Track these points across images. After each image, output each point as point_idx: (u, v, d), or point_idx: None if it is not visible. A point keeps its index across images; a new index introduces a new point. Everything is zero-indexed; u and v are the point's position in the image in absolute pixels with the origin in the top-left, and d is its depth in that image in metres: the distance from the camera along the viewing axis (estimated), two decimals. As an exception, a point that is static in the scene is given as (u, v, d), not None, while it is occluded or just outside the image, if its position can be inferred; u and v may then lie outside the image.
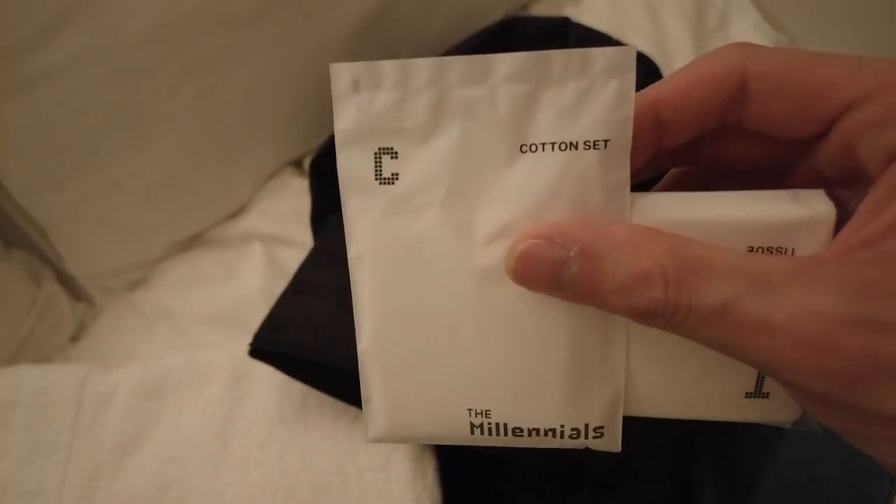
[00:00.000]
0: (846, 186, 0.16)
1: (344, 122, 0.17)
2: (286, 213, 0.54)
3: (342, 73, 0.17)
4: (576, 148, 0.16)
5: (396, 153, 0.17)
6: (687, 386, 0.17)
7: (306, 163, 0.57)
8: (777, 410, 0.17)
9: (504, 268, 0.16)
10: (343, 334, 0.38)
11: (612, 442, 0.18)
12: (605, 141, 0.15)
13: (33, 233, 0.54)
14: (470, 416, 0.18)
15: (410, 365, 0.18)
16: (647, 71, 0.45)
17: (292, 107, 0.55)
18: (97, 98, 0.46)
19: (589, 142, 0.15)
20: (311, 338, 0.37)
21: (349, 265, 0.18)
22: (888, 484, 0.43)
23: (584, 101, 0.15)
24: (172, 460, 0.41)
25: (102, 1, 0.43)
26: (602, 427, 0.18)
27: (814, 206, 0.15)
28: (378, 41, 0.55)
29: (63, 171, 0.49)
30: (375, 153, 0.17)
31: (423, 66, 0.16)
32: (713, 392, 0.17)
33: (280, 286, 0.42)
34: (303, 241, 0.51)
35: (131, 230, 0.54)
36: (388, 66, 0.17)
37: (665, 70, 0.47)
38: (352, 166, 0.17)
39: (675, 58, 0.57)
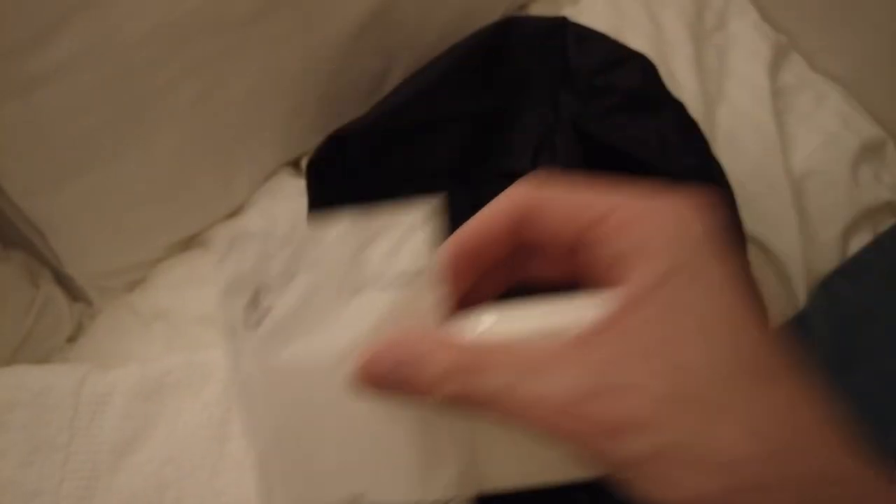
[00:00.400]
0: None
1: (225, 274, 0.21)
2: (284, 213, 0.54)
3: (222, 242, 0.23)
4: (396, 284, 0.21)
5: (265, 297, 0.21)
6: (528, 455, 0.21)
7: (304, 163, 0.57)
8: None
9: (354, 378, 0.20)
10: None
11: None
12: (418, 274, 0.20)
13: (31, 233, 0.54)
14: (352, 500, 0.21)
15: (301, 466, 0.22)
16: (645, 71, 0.45)
17: (291, 108, 0.55)
18: (96, 99, 0.46)
19: (406, 277, 0.20)
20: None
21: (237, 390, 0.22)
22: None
23: (400, 248, 0.20)
24: (171, 460, 0.41)
25: (102, 2, 0.43)
26: (453, 500, 0.21)
27: (587, 303, 0.19)
28: (377, 42, 0.55)
29: (61, 172, 0.49)
30: (251, 296, 0.21)
31: (280, 235, 0.21)
32: (552, 457, 0.20)
33: (279, 286, 0.42)
34: (301, 241, 0.51)
35: (130, 231, 0.54)
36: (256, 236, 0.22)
37: (663, 70, 0.47)
38: (232, 309, 0.21)
39: (674, 58, 0.57)
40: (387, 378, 0.19)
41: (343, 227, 0.21)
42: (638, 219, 0.18)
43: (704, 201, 0.19)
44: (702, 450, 0.16)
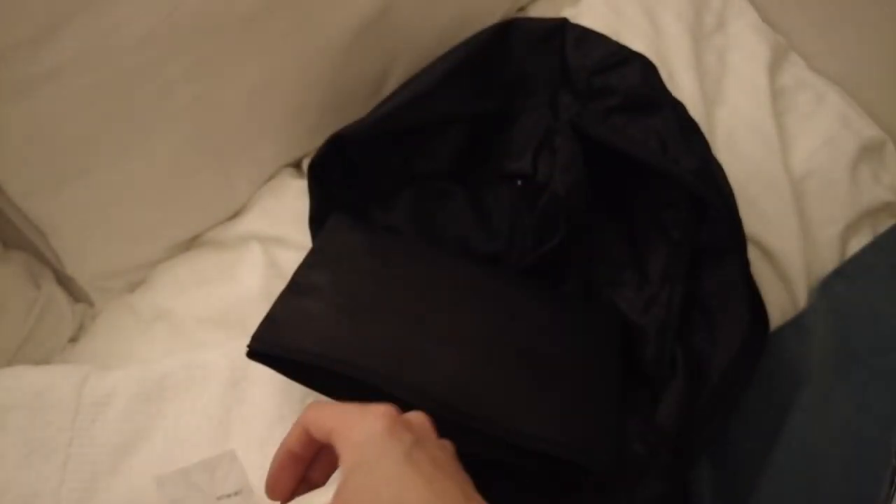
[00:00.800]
0: None
1: None
2: (285, 214, 0.54)
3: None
4: None
5: None
6: None
7: (305, 164, 0.57)
8: None
9: None
10: (341, 336, 0.38)
11: None
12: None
13: (32, 234, 0.54)
14: None
15: None
16: (644, 72, 0.45)
17: (292, 109, 0.55)
18: (96, 100, 0.46)
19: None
20: (309, 340, 0.38)
21: None
22: (888, 484, 0.43)
23: None
24: (171, 462, 0.41)
25: (101, 3, 0.43)
26: None
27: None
28: (377, 44, 0.55)
29: (62, 173, 0.49)
30: None
31: None
32: None
33: (279, 287, 0.42)
34: (302, 242, 0.51)
35: (130, 232, 0.54)
36: None
37: (662, 72, 0.47)
38: None
39: (674, 60, 0.57)
40: None
41: None
42: (341, 429, 0.29)
43: (385, 410, 0.29)
44: None
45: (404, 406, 0.31)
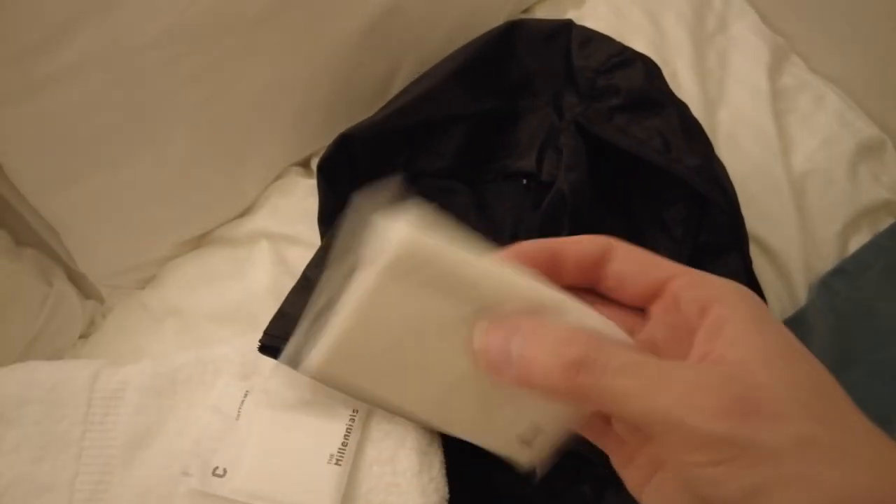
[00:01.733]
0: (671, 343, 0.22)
1: None
2: (294, 212, 0.54)
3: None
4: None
5: None
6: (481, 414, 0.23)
7: (314, 163, 0.58)
8: (527, 456, 0.23)
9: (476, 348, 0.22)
10: None
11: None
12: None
13: (44, 231, 0.55)
14: None
15: None
16: (648, 72, 0.46)
17: (301, 107, 0.55)
18: (108, 99, 0.47)
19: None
20: None
21: None
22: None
23: None
24: (183, 456, 0.42)
25: (114, 3, 0.44)
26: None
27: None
28: (385, 43, 0.56)
29: (74, 171, 0.49)
30: None
31: None
32: (497, 426, 0.23)
33: (288, 284, 0.43)
34: (310, 240, 0.52)
35: (141, 229, 0.55)
36: None
37: (664, 73, 0.48)
38: None
39: (676, 61, 0.58)
40: (507, 359, 0.20)
41: None
42: (705, 281, 0.21)
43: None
44: (843, 446, 0.17)
45: None
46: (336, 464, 0.39)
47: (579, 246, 0.23)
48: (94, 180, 0.50)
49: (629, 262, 0.23)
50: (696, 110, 0.48)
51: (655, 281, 0.22)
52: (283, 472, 0.39)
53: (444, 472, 0.41)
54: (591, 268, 0.23)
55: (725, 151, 0.55)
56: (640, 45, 0.54)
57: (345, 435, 0.39)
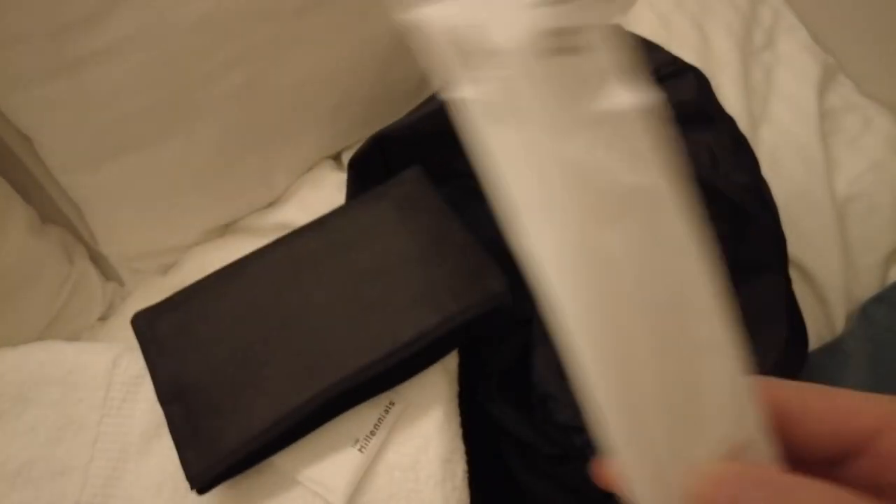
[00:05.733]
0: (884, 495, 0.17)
1: None
2: (323, 206, 0.53)
3: None
4: None
5: None
6: None
7: (345, 157, 0.57)
8: None
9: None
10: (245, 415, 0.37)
11: None
12: None
13: (69, 210, 0.54)
14: None
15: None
16: (699, 85, 0.44)
17: (336, 101, 0.55)
18: (143, 81, 0.46)
19: None
20: (232, 440, 0.36)
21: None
22: None
23: None
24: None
25: (156, -16, 0.43)
26: None
27: None
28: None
29: (103, 151, 0.49)
30: None
31: None
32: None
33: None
34: (338, 235, 0.51)
35: (166, 214, 0.54)
36: None
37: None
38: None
39: (722, 75, 0.57)
40: None
41: None
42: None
43: None
44: None
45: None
46: (360, 450, 0.38)
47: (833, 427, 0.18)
48: (123, 161, 0.49)
49: (808, 422, 0.17)
50: (739, 126, 0.47)
51: (848, 444, 0.17)
52: (308, 449, 0.38)
53: (466, 481, 0.40)
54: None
55: (767, 170, 0.53)
56: (684, 55, 0.52)
57: (375, 424, 0.39)
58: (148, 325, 0.41)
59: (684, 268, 0.16)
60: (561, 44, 0.14)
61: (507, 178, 0.15)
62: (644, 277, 0.16)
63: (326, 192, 0.55)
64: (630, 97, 0.15)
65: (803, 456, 0.17)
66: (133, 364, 0.44)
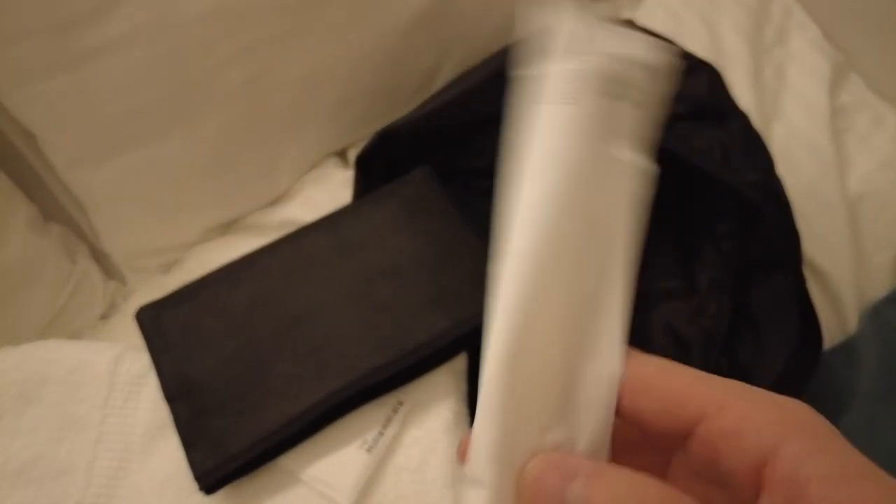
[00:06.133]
0: (718, 485, 0.18)
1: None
2: (328, 203, 0.53)
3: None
4: None
5: None
6: None
7: (350, 154, 0.56)
8: None
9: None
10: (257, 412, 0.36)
11: None
12: None
13: (72, 208, 0.54)
14: None
15: None
16: (712, 81, 0.44)
17: (342, 97, 0.54)
18: (148, 76, 0.46)
19: None
20: (242, 438, 0.36)
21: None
22: None
23: None
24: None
25: (162, -23, 0.43)
26: None
27: None
28: (431, 37, 0.54)
29: (106, 147, 0.48)
30: None
31: None
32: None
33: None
34: (343, 233, 0.51)
35: (170, 211, 0.54)
36: None
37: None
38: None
39: (732, 72, 0.56)
40: None
41: None
42: (752, 419, 0.17)
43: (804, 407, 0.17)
44: None
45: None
46: (367, 451, 0.37)
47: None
48: (126, 158, 0.49)
49: (645, 399, 0.18)
50: (753, 124, 0.47)
51: (681, 423, 0.17)
52: (315, 449, 0.38)
53: (474, 483, 0.39)
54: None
55: (778, 168, 0.53)
56: (694, 51, 0.52)
57: (383, 424, 0.38)
58: (153, 320, 0.40)
59: (609, 270, 0.19)
60: (614, 89, 0.19)
61: (534, 138, 0.19)
62: (579, 261, 0.19)
63: (331, 189, 0.54)
64: (630, 156, 0.20)
65: (654, 432, 0.18)
66: (136, 363, 0.44)
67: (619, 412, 0.18)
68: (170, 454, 0.41)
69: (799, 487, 0.15)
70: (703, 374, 0.18)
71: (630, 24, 0.47)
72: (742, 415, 0.17)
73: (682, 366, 0.18)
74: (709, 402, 0.17)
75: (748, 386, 0.17)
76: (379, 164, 0.49)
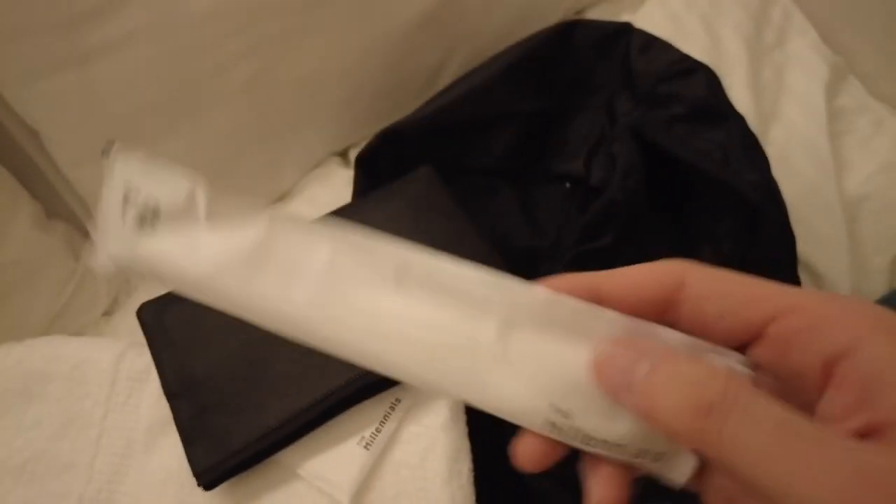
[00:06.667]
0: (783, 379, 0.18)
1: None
2: (331, 202, 0.53)
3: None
4: None
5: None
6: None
7: (352, 154, 0.57)
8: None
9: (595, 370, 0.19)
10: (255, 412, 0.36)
11: None
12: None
13: (75, 205, 0.54)
14: None
15: None
16: (710, 83, 0.44)
17: (345, 97, 0.54)
18: (152, 74, 0.46)
19: None
20: (242, 435, 0.36)
21: None
22: None
23: None
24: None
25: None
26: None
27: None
28: (435, 36, 0.55)
29: (110, 146, 0.48)
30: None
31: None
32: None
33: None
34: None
35: (172, 209, 0.54)
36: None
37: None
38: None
39: (732, 74, 0.57)
40: (627, 383, 0.17)
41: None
42: (827, 319, 0.16)
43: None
44: None
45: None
46: (365, 447, 0.38)
47: (633, 282, 0.18)
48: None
49: (712, 300, 0.18)
50: (749, 125, 0.47)
51: (747, 325, 0.17)
52: (313, 446, 0.38)
53: (472, 479, 0.40)
54: (653, 311, 0.18)
55: (777, 170, 0.53)
56: (694, 54, 0.52)
57: (380, 421, 0.38)
58: (154, 317, 0.41)
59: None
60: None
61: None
62: None
63: (334, 188, 0.55)
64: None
65: (715, 336, 0.18)
66: (138, 359, 0.44)
67: (679, 319, 0.18)
68: (171, 451, 0.41)
69: (877, 388, 0.15)
70: (769, 281, 0.17)
71: (629, 27, 0.47)
72: (820, 313, 0.16)
73: (747, 275, 0.18)
74: (781, 303, 0.17)
75: (823, 291, 0.18)
76: (382, 164, 0.49)
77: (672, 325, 0.18)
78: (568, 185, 0.51)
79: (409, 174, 0.45)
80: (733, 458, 0.15)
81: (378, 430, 0.39)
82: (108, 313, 0.55)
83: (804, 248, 0.51)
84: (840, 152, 0.55)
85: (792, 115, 0.57)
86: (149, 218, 0.20)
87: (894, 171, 0.54)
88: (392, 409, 0.39)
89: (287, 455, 0.38)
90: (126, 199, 0.20)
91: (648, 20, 0.60)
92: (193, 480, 0.38)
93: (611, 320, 0.18)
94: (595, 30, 0.47)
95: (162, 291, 0.54)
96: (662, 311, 0.18)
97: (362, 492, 0.38)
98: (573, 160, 0.49)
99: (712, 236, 0.46)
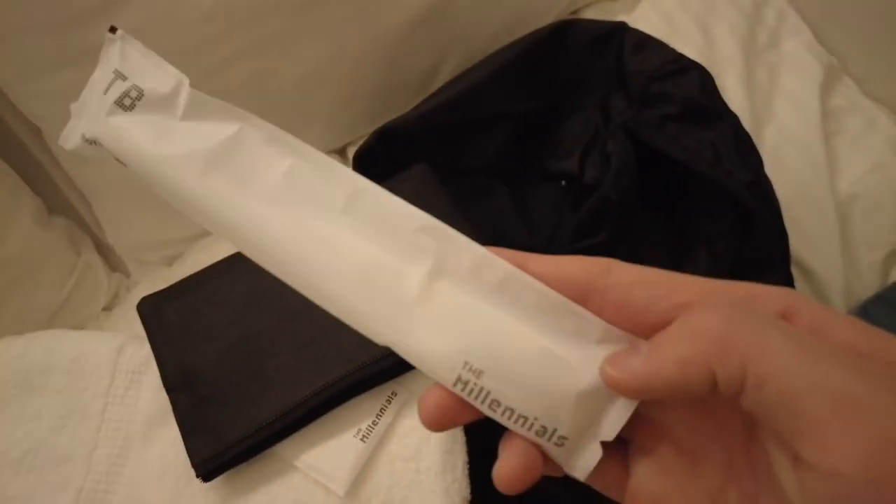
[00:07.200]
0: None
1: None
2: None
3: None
4: None
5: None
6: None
7: (350, 152, 0.57)
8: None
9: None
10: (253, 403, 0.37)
11: None
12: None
13: (76, 201, 0.55)
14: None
15: None
16: (703, 82, 0.45)
17: (342, 95, 0.55)
18: (152, 72, 0.47)
19: None
20: (238, 428, 0.37)
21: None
22: None
23: None
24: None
25: (166, -23, 0.44)
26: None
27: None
28: (431, 36, 0.55)
29: (111, 143, 0.49)
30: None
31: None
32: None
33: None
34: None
35: (172, 205, 0.54)
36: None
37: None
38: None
39: (726, 75, 0.57)
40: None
41: None
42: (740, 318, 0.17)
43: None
44: None
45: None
46: (362, 440, 0.38)
47: (557, 263, 0.19)
48: (131, 153, 0.49)
49: (641, 286, 0.19)
50: (743, 125, 0.47)
51: (682, 307, 0.18)
52: (310, 438, 0.39)
53: (466, 472, 0.40)
54: (575, 293, 0.19)
55: (770, 169, 0.53)
56: (688, 54, 0.53)
57: (377, 414, 0.39)
58: (154, 311, 0.41)
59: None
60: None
61: None
62: None
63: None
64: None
65: (614, 316, 0.19)
66: (138, 353, 0.45)
67: (605, 306, 0.19)
68: (169, 442, 0.42)
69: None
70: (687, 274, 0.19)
71: (623, 26, 0.48)
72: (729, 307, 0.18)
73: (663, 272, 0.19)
74: (703, 288, 0.19)
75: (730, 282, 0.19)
76: (379, 162, 0.50)
77: (597, 313, 0.19)
78: (563, 183, 0.51)
79: (403, 172, 0.46)
80: (760, 364, 0.16)
81: (374, 423, 0.39)
82: (108, 308, 0.55)
83: (797, 246, 0.52)
84: (833, 152, 0.56)
85: (785, 115, 0.57)
86: (129, 101, 0.21)
87: (886, 170, 0.55)
88: (388, 402, 0.40)
89: (284, 447, 0.39)
90: (114, 80, 0.21)
91: (643, 21, 0.60)
92: (192, 472, 0.38)
93: (539, 290, 0.19)
94: (589, 29, 0.48)
95: (161, 287, 0.55)
96: (585, 295, 0.19)
97: (358, 483, 0.38)
98: (568, 159, 0.49)
99: (707, 236, 0.47)
